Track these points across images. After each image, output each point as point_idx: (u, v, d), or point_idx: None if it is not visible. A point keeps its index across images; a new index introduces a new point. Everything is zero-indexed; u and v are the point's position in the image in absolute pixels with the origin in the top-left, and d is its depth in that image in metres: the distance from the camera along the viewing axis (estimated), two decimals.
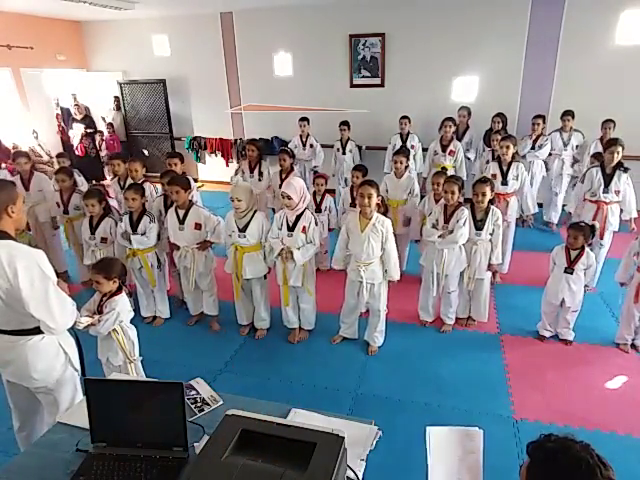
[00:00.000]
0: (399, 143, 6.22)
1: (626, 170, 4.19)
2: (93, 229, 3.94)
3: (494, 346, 3.68)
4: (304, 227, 3.38)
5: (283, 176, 5.08)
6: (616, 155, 4.12)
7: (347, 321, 3.70)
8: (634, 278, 3.40)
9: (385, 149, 6.92)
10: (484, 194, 3.49)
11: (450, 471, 1.47)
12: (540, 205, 6.38)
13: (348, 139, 6.53)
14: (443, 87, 7.01)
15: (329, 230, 4.77)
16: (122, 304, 2.65)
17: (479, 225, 3.58)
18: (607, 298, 4.22)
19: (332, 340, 3.75)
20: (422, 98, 7.05)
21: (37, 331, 2.02)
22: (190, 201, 3.75)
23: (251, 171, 5.36)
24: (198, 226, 3.68)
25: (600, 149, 5.41)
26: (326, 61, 7.40)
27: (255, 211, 3.53)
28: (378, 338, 3.64)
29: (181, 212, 3.69)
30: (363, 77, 7.34)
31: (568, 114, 5.77)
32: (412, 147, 6.21)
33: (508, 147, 4.47)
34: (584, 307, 3.62)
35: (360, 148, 7.24)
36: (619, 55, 6.19)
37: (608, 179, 4.22)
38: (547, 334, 3.70)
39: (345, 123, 6.50)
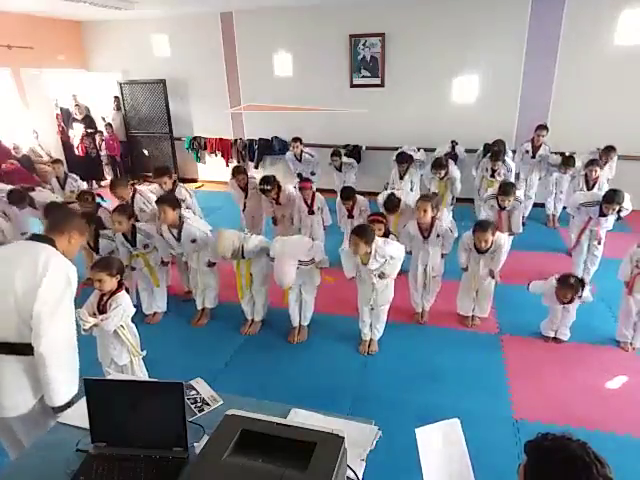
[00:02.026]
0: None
1: (619, 218, 4.22)
2: (95, 249, 3.95)
3: (494, 346, 3.68)
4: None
5: (274, 205, 4.96)
6: (612, 210, 4.04)
7: (366, 320, 3.65)
8: (632, 273, 3.44)
9: (385, 149, 6.95)
10: (487, 241, 3.53)
11: (441, 468, 1.47)
12: (542, 205, 6.39)
13: (342, 164, 6.45)
14: (443, 87, 7.01)
15: (323, 228, 4.81)
16: (126, 300, 2.68)
17: (483, 252, 3.66)
18: (607, 298, 4.21)
19: (363, 352, 3.62)
20: (422, 98, 7.05)
21: (22, 350, 1.88)
22: (180, 218, 3.71)
23: (246, 197, 5.26)
24: (194, 241, 3.76)
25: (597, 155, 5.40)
26: (326, 61, 7.39)
27: (242, 246, 3.48)
28: (379, 330, 3.66)
29: (175, 230, 3.73)
30: (363, 77, 7.33)
31: (542, 128, 5.85)
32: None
33: (509, 201, 4.26)
34: (584, 307, 3.62)
35: (360, 148, 7.26)
36: (619, 55, 6.19)
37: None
38: (551, 334, 3.70)
39: (336, 153, 6.39)
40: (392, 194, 4.33)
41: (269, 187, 4.66)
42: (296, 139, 6.44)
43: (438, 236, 3.73)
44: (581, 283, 3.44)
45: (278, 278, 3.29)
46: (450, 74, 6.94)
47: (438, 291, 4.03)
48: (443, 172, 5.24)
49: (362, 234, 3.10)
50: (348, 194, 4.53)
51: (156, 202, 3.77)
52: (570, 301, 3.48)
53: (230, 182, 5.32)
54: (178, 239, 3.75)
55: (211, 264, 3.90)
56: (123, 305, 2.64)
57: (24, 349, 1.87)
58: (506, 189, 4.22)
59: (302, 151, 6.45)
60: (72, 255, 2.13)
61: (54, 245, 2.00)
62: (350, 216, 4.59)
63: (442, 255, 3.87)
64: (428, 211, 3.62)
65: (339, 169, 6.51)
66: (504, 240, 3.68)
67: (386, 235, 3.59)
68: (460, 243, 3.81)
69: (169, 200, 3.70)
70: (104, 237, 3.91)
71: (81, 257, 4.59)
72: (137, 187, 4.61)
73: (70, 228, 2.09)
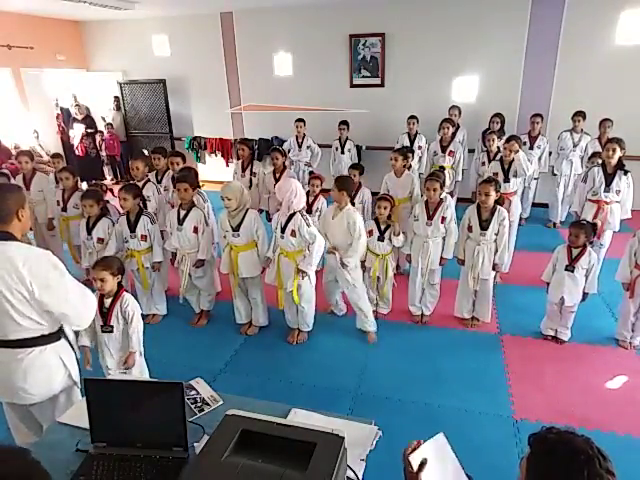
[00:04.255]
0: (407, 143, 6.19)
1: (626, 173, 4.19)
2: (89, 229, 3.93)
3: (494, 346, 3.67)
4: (292, 231, 3.35)
5: (277, 175, 5.07)
6: (611, 152, 4.12)
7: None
8: (632, 274, 3.42)
9: (385, 149, 6.94)
10: (487, 194, 3.51)
11: None
12: (545, 205, 6.39)
13: (347, 139, 6.54)
14: (443, 87, 7.01)
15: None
16: (133, 300, 2.69)
17: (484, 225, 3.60)
18: (607, 298, 4.21)
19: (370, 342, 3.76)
20: (422, 98, 7.05)
21: (39, 342, 1.97)
22: (193, 202, 3.78)
23: (242, 171, 5.35)
24: (196, 229, 3.71)
25: (598, 148, 5.41)
26: (326, 61, 7.40)
27: (247, 210, 3.55)
28: (365, 322, 3.72)
29: (182, 212, 3.71)
30: (363, 77, 7.34)
31: (579, 115, 5.73)
32: (419, 148, 6.19)
33: (511, 151, 4.46)
34: (584, 307, 3.62)
35: (360, 148, 7.25)
36: (619, 55, 6.19)
37: (610, 179, 4.22)
38: (550, 333, 3.70)
39: (344, 123, 6.51)
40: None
41: (280, 155, 5.03)
42: (299, 119, 6.42)
43: (442, 221, 3.70)
44: (593, 227, 3.43)
45: (278, 188, 3.32)
46: (450, 74, 6.94)
47: (436, 303, 4.03)
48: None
49: (342, 182, 3.53)
50: (358, 166, 4.71)
51: (177, 180, 3.73)
52: (582, 247, 3.40)
53: (235, 163, 5.57)
54: (181, 222, 3.70)
55: (199, 265, 3.81)
56: (137, 307, 2.68)
57: (41, 339, 1.97)
58: (511, 137, 4.45)
59: (305, 135, 6.43)
60: (28, 227, 2.07)
61: (12, 236, 1.89)
62: (351, 203, 4.58)
63: (441, 261, 3.83)
64: (437, 190, 3.64)
65: (342, 147, 6.48)
66: (507, 215, 3.65)
67: (388, 217, 3.75)
68: (462, 222, 3.77)
69: (190, 179, 3.70)
70: (108, 217, 3.93)
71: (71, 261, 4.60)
72: (150, 176, 4.60)
73: (12, 208, 1.91)
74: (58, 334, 2.05)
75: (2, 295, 1.82)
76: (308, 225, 3.34)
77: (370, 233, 3.80)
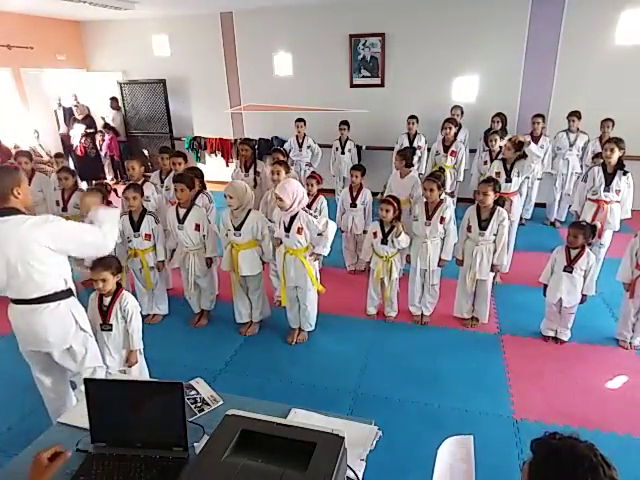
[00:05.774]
0: (406, 143, 6.21)
1: (626, 173, 4.20)
2: None
3: (494, 346, 3.67)
4: (299, 228, 3.34)
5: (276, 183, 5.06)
6: (609, 152, 4.12)
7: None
8: (633, 275, 3.41)
9: (385, 149, 6.96)
10: (486, 193, 3.51)
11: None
12: (543, 205, 6.39)
13: (347, 139, 6.54)
14: (443, 87, 7.01)
15: None
16: (132, 298, 2.72)
17: (483, 225, 3.59)
18: (607, 298, 4.22)
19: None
20: (422, 98, 7.05)
21: (54, 298, 2.25)
22: (193, 200, 3.78)
23: (246, 170, 5.35)
24: (197, 227, 3.71)
25: (599, 148, 5.42)
26: (326, 61, 7.40)
27: (250, 210, 3.55)
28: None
29: (182, 211, 3.71)
30: (363, 77, 7.34)
31: (574, 115, 5.77)
32: (419, 147, 6.21)
33: (511, 146, 4.47)
34: (584, 307, 3.61)
35: (360, 148, 7.25)
36: (619, 55, 6.19)
37: (610, 178, 4.22)
38: (550, 334, 3.70)
39: (345, 123, 6.51)
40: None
41: (282, 155, 4.92)
42: (300, 119, 6.42)
43: (441, 222, 3.68)
44: (593, 229, 3.42)
45: (279, 188, 3.28)
46: (450, 74, 6.94)
47: (435, 303, 4.02)
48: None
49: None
50: (360, 166, 4.71)
51: (174, 180, 3.74)
52: (581, 248, 3.39)
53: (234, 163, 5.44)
54: (181, 221, 3.70)
55: (209, 264, 3.85)
56: (136, 306, 2.70)
57: (55, 296, 2.26)
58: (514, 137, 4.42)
59: (305, 135, 6.44)
60: (30, 201, 2.31)
61: (15, 210, 2.12)
62: (353, 204, 4.60)
63: (440, 262, 3.82)
64: (434, 190, 3.63)
65: (342, 147, 6.50)
66: (506, 216, 3.64)
67: (397, 218, 3.72)
68: (461, 223, 3.76)
69: (187, 180, 3.71)
70: None
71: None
72: (151, 176, 4.65)
73: (8, 186, 2.11)
74: (68, 292, 2.31)
75: (29, 264, 2.10)
76: (315, 217, 3.38)
77: (374, 235, 3.80)
